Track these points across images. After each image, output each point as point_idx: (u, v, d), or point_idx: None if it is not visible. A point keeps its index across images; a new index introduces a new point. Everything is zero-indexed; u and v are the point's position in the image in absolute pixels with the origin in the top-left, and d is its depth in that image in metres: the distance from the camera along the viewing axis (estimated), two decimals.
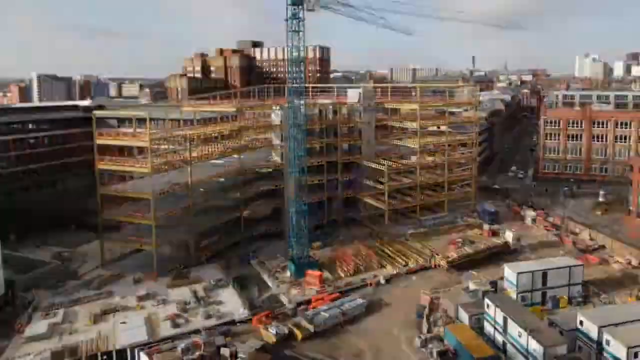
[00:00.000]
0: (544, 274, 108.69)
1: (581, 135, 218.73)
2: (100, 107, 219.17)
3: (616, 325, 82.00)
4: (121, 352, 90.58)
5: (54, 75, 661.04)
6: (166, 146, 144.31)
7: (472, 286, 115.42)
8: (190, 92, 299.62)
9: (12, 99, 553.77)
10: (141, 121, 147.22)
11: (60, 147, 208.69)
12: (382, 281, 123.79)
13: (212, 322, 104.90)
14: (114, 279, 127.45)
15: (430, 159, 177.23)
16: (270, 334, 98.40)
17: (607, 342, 79.43)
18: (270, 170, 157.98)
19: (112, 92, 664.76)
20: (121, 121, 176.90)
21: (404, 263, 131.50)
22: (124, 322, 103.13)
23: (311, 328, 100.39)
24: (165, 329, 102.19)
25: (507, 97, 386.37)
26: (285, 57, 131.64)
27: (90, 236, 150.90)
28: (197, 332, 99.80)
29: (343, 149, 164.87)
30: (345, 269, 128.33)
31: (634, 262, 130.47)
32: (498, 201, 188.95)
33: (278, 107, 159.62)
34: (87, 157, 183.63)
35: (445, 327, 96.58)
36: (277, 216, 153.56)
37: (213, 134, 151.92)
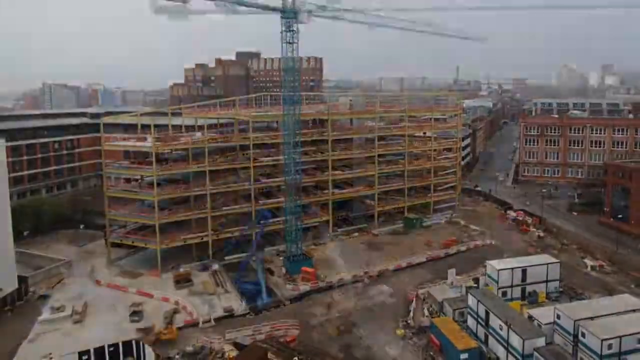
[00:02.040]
0: (524, 271, 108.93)
1: (558, 141, 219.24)
2: (107, 114, 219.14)
3: (591, 319, 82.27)
4: (127, 345, 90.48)
5: (64, 84, 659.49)
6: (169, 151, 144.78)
7: (456, 282, 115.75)
8: (191, 100, 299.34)
9: (24, 106, 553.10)
10: (145, 127, 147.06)
11: (69, 151, 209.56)
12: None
13: (213, 316, 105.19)
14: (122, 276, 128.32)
15: (417, 162, 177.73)
16: None
17: (583, 335, 79.64)
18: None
19: (118, 100, 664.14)
20: (126, 127, 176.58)
21: None
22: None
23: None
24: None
25: (489, 105, 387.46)
26: (281, 67, 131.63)
27: (98, 235, 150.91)
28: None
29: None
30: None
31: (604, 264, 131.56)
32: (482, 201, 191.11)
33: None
34: (95, 161, 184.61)
35: (431, 321, 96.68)
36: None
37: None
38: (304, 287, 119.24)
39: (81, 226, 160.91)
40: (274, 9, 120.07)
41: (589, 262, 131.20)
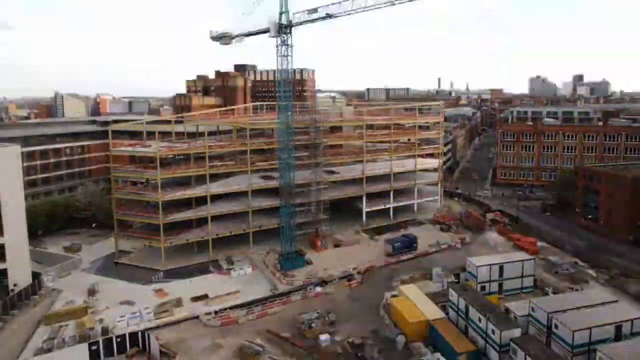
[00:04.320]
0: (501, 267, 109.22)
1: (533, 146, 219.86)
2: (115, 122, 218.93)
3: (563, 311, 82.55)
4: (133, 335, 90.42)
5: (75, 94, 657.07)
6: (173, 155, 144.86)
7: (438, 278, 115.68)
8: (193, 109, 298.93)
9: (37, 115, 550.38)
10: (150, 134, 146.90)
11: (79, 156, 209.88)
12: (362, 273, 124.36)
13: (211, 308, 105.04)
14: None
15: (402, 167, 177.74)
16: None
17: (556, 326, 79.95)
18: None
19: (125, 108, 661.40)
20: (133, 134, 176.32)
21: None
22: None
23: None
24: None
25: (469, 113, 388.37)
26: (276, 78, 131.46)
27: (107, 234, 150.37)
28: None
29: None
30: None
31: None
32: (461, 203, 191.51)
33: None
34: (104, 165, 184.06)
35: (430, 321, 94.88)
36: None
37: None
38: (297, 282, 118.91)
39: (93, 225, 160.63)
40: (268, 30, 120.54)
41: (552, 258, 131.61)
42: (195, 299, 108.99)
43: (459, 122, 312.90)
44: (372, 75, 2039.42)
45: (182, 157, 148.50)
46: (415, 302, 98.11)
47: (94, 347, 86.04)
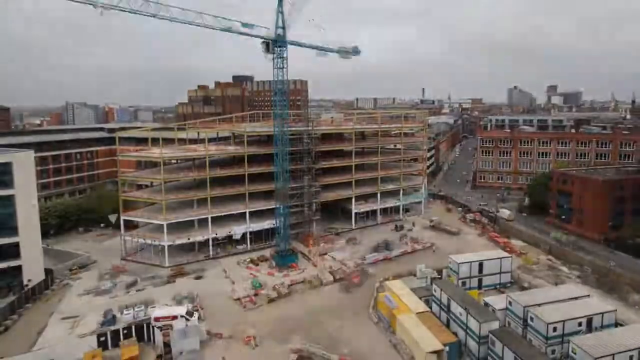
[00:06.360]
0: (480, 264, 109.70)
1: (510, 152, 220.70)
2: (122, 129, 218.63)
3: (539, 305, 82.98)
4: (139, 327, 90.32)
5: (84, 103, 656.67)
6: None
7: (422, 274, 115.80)
8: (194, 117, 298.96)
9: (50, 123, 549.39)
10: (155, 140, 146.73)
11: (89, 161, 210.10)
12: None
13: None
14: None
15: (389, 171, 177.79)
16: None
17: (531, 319, 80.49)
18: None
19: (131, 116, 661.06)
20: (138, 140, 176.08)
21: None
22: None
23: None
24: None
25: (451, 121, 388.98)
26: (272, 88, 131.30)
27: (114, 233, 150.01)
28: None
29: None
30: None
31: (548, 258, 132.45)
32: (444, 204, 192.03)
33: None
34: (111, 169, 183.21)
35: (415, 314, 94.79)
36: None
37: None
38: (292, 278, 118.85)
39: (102, 225, 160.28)
40: (266, 39, 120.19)
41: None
42: None
43: (442, 129, 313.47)
44: (361, 86, 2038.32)
45: (184, 161, 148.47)
46: (401, 296, 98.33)
47: (102, 339, 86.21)
